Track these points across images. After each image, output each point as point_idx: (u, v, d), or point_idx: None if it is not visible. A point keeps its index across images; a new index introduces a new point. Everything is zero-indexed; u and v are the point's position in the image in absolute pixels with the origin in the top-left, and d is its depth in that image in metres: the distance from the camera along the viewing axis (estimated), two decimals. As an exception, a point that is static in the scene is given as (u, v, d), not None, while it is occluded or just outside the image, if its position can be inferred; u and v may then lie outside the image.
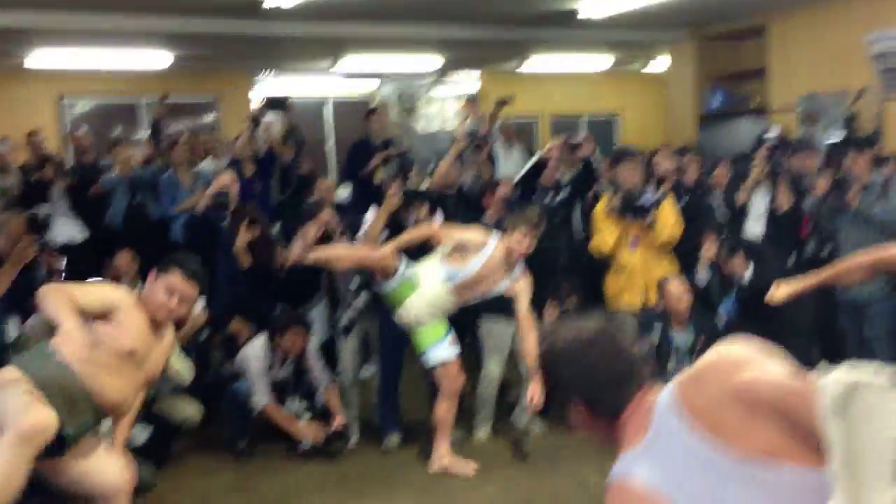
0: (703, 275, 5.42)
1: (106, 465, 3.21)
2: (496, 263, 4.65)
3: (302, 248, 4.94)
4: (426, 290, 4.67)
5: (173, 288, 3.15)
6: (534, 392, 4.34)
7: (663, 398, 1.64)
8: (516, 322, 4.77)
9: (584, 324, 1.79)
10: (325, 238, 5.25)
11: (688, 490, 1.53)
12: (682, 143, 7.65)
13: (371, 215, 5.19)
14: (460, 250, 4.68)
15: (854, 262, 3.43)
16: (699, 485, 1.53)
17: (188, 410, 4.90)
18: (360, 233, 5.24)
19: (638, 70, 12.01)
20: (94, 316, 3.03)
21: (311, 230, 5.13)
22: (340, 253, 4.98)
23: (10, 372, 3.01)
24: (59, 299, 2.91)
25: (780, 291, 3.62)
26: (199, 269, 3.30)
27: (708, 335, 4.97)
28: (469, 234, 4.77)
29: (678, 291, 4.99)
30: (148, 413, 4.70)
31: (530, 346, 4.60)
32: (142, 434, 4.60)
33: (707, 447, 1.53)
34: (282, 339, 4.97)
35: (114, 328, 3.03)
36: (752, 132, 7.58)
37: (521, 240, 4.60)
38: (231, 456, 5.05)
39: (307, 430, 4.95)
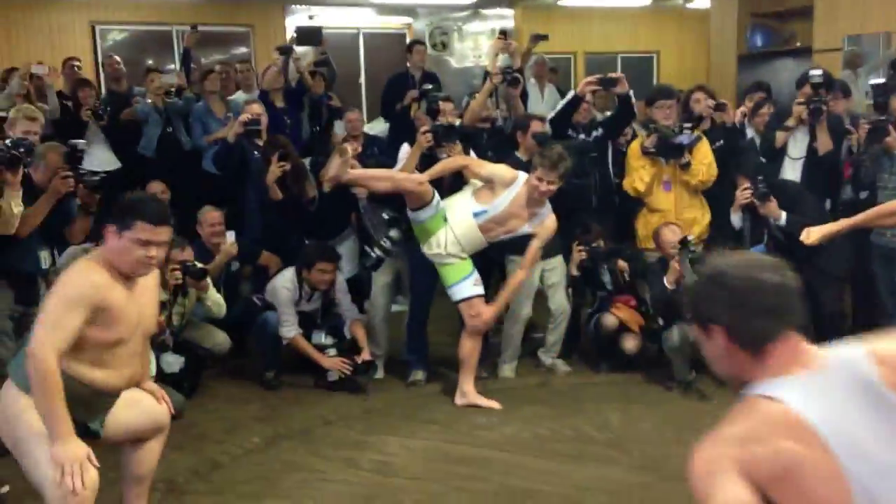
0: (736, 218, 5.33)
1: (143, 408, 3.17)
2: (523, 201, 4.62)
3: (339, 166, 4.66)
4: (456, 225, 4.65)
5: (142, 239, 2.82)
6: (480, 311, 4.67)
7: (849, 347, 1.63)
8: (540, 261, 4.77)
9: (751, 254, 1.80)
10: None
11: (848, 436, 1.50)
12: (756, 82, 7.33)
13: (404, 152, 5.14)
14: (489, 187, 4.65)
15: (888, 207, 3.41)
16: (865, 432, 1.51)
17: (218, 337, 4.97)
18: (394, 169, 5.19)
19: (678, 7, 11.70)
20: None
21: (349, 147, 4.98)
22: (378, 173, 4.90)
23: (14, 398, 2.83)
24: (52, 395, 2.68)
25: (812, 235, 3.58)
26: (162, 208, 2.95)
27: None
28: (499, 169, 4.73)
29: (673, 238, 4.90)
30: (178, 342, 4.78)
31: (515, 280, 4.80)
32: (176, 362, 4.67)
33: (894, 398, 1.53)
34: (310, 273, 4.99)
35: (99, 328, 2.82)
36: (794, 73, 7.38)
37: (541, 179, 4.55)
38: (259, 386, 5.12)
39: (334, 362, 5.00)
